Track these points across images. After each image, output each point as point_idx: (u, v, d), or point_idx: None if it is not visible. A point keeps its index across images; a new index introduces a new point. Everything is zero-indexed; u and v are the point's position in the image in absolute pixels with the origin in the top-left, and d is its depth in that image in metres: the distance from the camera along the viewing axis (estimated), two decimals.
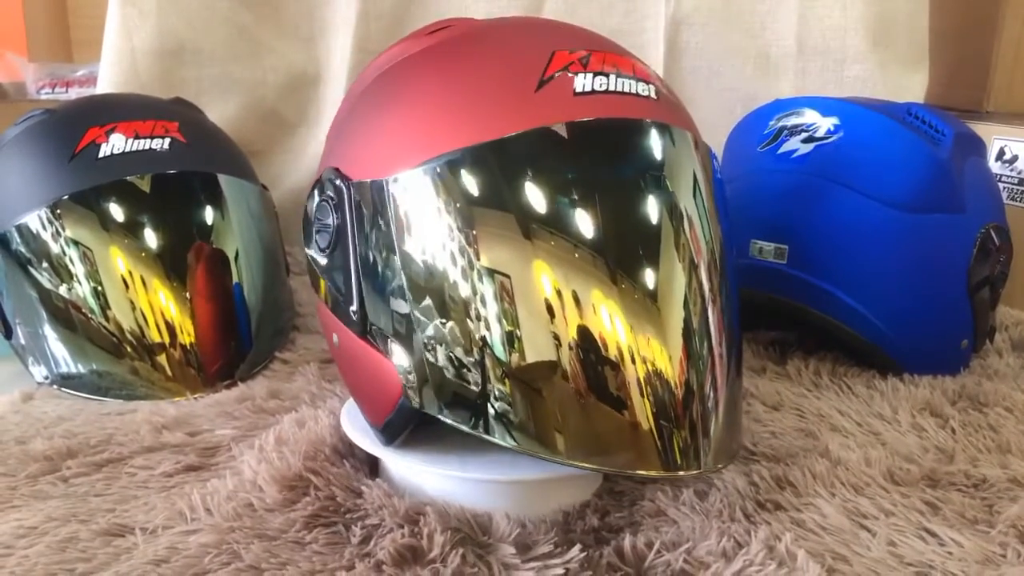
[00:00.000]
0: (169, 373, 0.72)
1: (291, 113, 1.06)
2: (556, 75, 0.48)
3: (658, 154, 0.48)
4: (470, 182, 0.46)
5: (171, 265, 0.73)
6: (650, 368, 0.45)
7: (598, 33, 0.57)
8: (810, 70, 1.04)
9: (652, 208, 0.47)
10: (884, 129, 0.73)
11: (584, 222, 0.45)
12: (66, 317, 0.72)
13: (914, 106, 0.76)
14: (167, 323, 0.73)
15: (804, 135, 0.76)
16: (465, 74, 0.50)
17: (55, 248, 0.71)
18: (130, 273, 0.72)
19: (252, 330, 0.79)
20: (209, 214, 0.77)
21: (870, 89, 1.04)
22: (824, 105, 0.76)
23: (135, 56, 0.98)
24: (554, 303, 0.45)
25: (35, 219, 0.71)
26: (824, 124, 0.75)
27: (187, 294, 0.73)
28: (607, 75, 0.48)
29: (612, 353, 0.45)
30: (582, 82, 0.48)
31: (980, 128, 1.07)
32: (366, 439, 0.53)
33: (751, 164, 0.80)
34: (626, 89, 0.48)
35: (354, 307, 0.50)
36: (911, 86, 1.05)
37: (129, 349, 0.71)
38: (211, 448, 0.60)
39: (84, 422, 0.64)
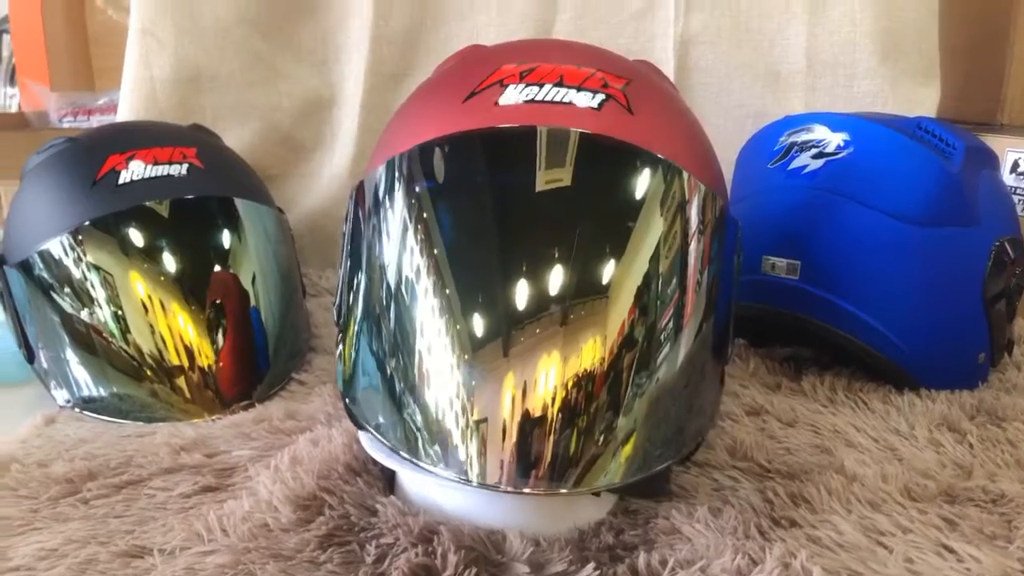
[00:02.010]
0: (188, 395, 0.73)
1: (307, 137, 1.08)
2: (487, 88, 0.50)
3: (546, 161, 0.47)
4: (382, 187, 0.51)
5: (189, 289, 0.74)
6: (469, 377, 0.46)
7: (604, 50, 0.58)
8: (820, 86, 1.05)
9: (514, 212, 0.48)
10: (894, 143, 0.73)
11: (450, 228, 0.48)
12: (87, 341, 0.73)
13: (925, 120, 0.76)
14: (186, 346, 0.74)
15: (814, 151, 0.76)
16: (421, 91, 0.56)
17: (76, 273, 0.73)
18: (149, 297, 0.73)
19: (269, 353, 0.79)
20: (226, 238, 0.78)
21: (881, 104, 1.04)
22: (834, 121, 0.76)
23: (154, 84, 1.00)
24: (386, 303, 0.49)
25: (57, 245, 0.73)
26: (834, 140, 0.75)
27: (205, 317, 0.74)
28: (541, 86, 0.49)
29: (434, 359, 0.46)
30: (510, 94, 0.49)
31: (994, 141, 1.07)
32: (381, 453, 0.54)
33: (762, 181, 0.80)
34: (558, 99, 0.49)
35: None
36: (923, 100, 1.05)
37: (149, 372, 0.72)
38: (228, 469, 0.61)
39: (105, 444, 0.65)
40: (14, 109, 1.60)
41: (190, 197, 0.76)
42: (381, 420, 0.49)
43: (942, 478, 0.59)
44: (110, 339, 0.72)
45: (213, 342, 0.74)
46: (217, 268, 0.77)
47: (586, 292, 0.46)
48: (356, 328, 0.52)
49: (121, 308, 0.73)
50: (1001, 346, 0.79)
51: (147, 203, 0.74)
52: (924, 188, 0.72)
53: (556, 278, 0.46)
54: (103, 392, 0.73)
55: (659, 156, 0.49)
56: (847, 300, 0.73)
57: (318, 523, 0.50)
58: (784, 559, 0.48)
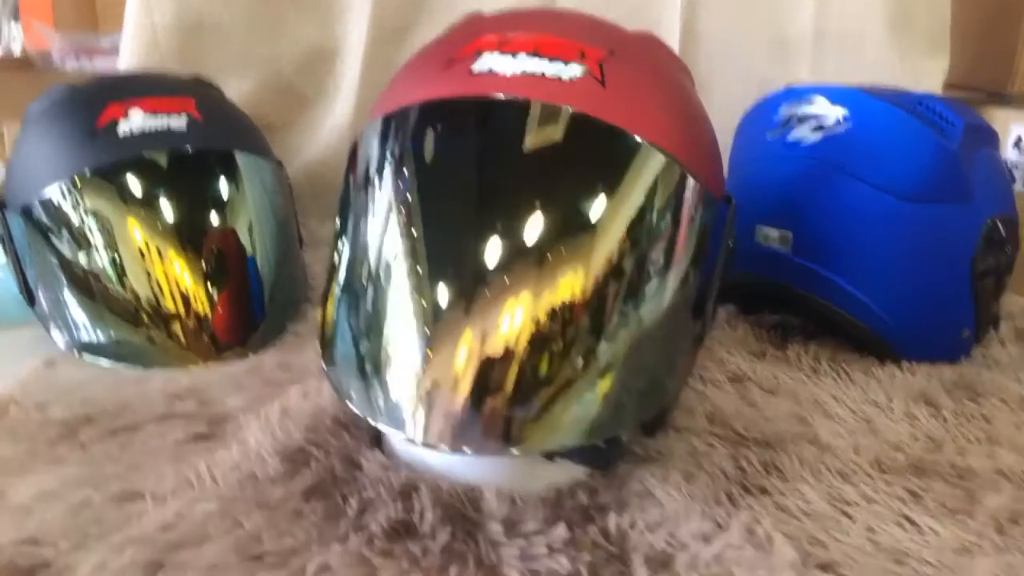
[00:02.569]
0: (183, 342, 0.75)
1: (308, 88, 1.07)
2: (467, 56, 0.51)
3: (505, 133, 0.49)
4: (360, 150, 0.54)
5: (187, 237, 0.76)
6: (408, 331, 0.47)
7: (599, 21, 0.57)
8: (827, 55, 1.04)
9: (458, 181, 0.49)
10: (892, 119, 0.73)
11: (401, 194, 0.50)
12: (85, 285, 0.75)
13: (926, 96, 0.76)
14: (182, 293, 0.75)
15: (813, 123, 0.76)
16: (415, 56, 0.57)
17: (75, 219, 0.74)
18: (147, 244, 0.74)
19: (265, 301, 0.81)
20: (224, 189, 0.79)
21: (888, 75, 1.03)
22: (834, 93, 0.76)
23: (155, 31, 0.99)
24: (355, 268, 0.52)
25: (57, 191, 0.74)
26: (834, 113, 0.75)
27: (202, 265, 0.76)
28: (515, 55, 0.50)
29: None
30: (484, 62, 0.50)
31: (1000, 114, 1.06)
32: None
33: (761, 151, 0.80)
34: (528, 69, 0.49)
35: None
36: (931, 72, 1.04)
37: (145, 318, 0.74)
38: (220, 418, 0.63)
39: (102, 389, 0.67)
40: (18, 50, 1.59)
41: (189, 149, 0.77)
42: (351, 382, 0.50)
43: (912, 451, 0.61)
44: (108, 284, 0.74)
45: (209, 289, 0.76)
46: (214, 219, 0.78)
47: (522, 259, 0.47)
48: (335, 288, 0.54)
49: (119, 254, 0.74)
50: (987, 322, 0.80)
51: (146, 155, 0.75)
52: (919, 164, 0.72)
53: (493, 246, 0.47)
54: (101, 337, 0.75)
55: (620, 128, 0.49)
56: (837, 273, 0.74)
57: (304, 475, 0.52)
58: (749, 526, 0.50)
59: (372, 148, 0.53)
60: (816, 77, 1.04)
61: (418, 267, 0.48)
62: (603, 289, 0.48)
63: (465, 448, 0.46)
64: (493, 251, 0.47)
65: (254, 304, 0.81)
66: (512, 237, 0.47)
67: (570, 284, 0.47)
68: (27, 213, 0.75)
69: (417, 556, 0.45)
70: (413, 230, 0.49)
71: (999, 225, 0.75)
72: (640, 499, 0.53)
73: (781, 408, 0.67)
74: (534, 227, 0.47)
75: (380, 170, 0.51)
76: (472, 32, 0.54)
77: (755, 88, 1.05)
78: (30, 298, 0.79)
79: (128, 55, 1.00)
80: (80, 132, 0.76)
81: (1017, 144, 1.00)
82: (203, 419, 0.62)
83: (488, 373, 0.46)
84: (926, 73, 1.05)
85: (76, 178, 0.73)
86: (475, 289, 0.47)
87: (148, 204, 0.75)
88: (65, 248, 0.74)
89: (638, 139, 0.49)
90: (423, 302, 0.47)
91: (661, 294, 0.50)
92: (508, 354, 0.46)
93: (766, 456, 0.59)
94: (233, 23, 1.02)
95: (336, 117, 1.06)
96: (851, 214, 0.74)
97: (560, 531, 0.48)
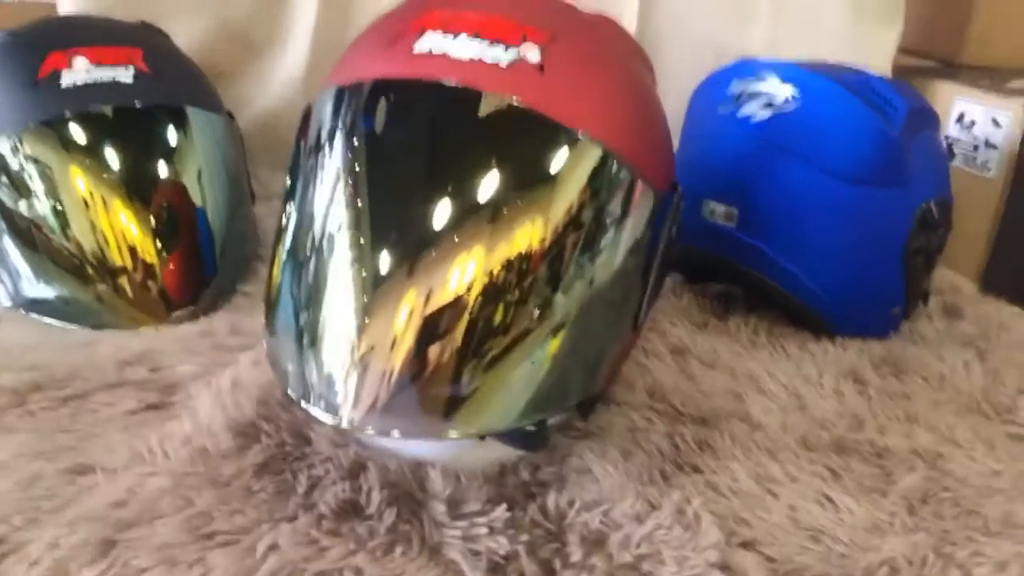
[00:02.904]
0: (131, 296, 0.74)
1: (258, 34, 1.04)
2: (410, 34, 0.51)
3: (437, 118, 0.50)
4: (315, 115, 0.54)
5: (133, 188, 0.74)
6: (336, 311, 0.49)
7: (555, 2, 0.57)
8: (783, 21, 1.04)
9: (382, 163, 0.50)
10: (840, 101, 0.75)
11: (332, 174, 0.51)
12: (28, 236, 0.73)
13: (874, 79, 0.77)
14: (129, 246, 0.74)
15: (764, 100, 0.78)
16: (367, 28, 0.57)
17: (15, 168, 0.72)
18: (91, 194, 0.73)
19: (216, 255, 0.80)
20: (173, 142, 0.78)
21: (843, 43, 1.04)
22: (785, 71, 0.77)
23: None
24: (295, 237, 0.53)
25: None
26: (783, 92, 0.76)
27: (149, 217, 0.75)
28: (456, 36, 0.50)
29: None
30: (424, 42, 0.50)
31: (945, 87, 1.09)
32: None
33: (711, 126, 0.82)
34: (465, 51, 0.50)
35: None
36: (884, 41, 1.06)
37: (91, 271, 0.73)
38: (171, 386, 0.63)
39: (50, 352, 0.67)
40: None
41: (137, 105, 0.75)
42: (288, 356, 0.51)
43: (836, 430, 0.64)
44: (50, 235, 0.73)
45: (156, 243, 0.75)
46: (162, 170, 0.77)
47: (437, 243, 0.48)
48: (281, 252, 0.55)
49: (61, 203, 0.72)
50: (916, 297, 0.84)
51: (92, 110, 0.73)
52: (861, 148, 0.74)
53: (408, 228, 0.49)
54: (47, 293, 0.74)
55: (550, 117, 0.49)
56: (777, 250, 0.77)
57: (255, 451, 0.54)
58: (680, 505, 0.53)
59: (323, 117, 0.53)
60: (771, 45, 1.05)
61: (351, 239, 0.50)
62: (530, 275, 0.49)
63: (395, 432, 0.48)
64: (415, 233, 0.48)
65: (205, 259, 0.80)
66: (428, 223, 0.48)
67: (498, 267, 0.48)
68: None
69: (363, 537, 0.47)
70: (346, 204, 0.51)
71: (933, 208, 0.78)
72: (579, 475, 0.56)
73: (718, 383, 0.70)
74: (455, 213, 0.48)
75: (326, 141, 0.52)
76: (420, 8, 0.54)
77: (710, 56, 1.06)
78: None
79: (71, 1, 0.96)
80: (20, 82, 0.73)
81: (959, 120, 1.03)
82: (154, 387, 0.63)
83: (426, 340, 0.47)
84: (880, 41, 1.07)
85: (17, 133, 0.71)
86: (401, 265, 0.48)
87: (92, 153, 0.74)
88: (5, 197, 0.73)
89: (569, 128, 0.50)
90: (363, 272, 0.49)
91: (590, 283, 0.51)
92: (443, 324, 0.47)
93: (700, 434, 0.62)
94: None
95: (288, 68, 1.04)
96: (794, 193, 0.76)
97: (500, 511, 0.50)
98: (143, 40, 0.81)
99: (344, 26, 1.04)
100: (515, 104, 0.49)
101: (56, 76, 0.73)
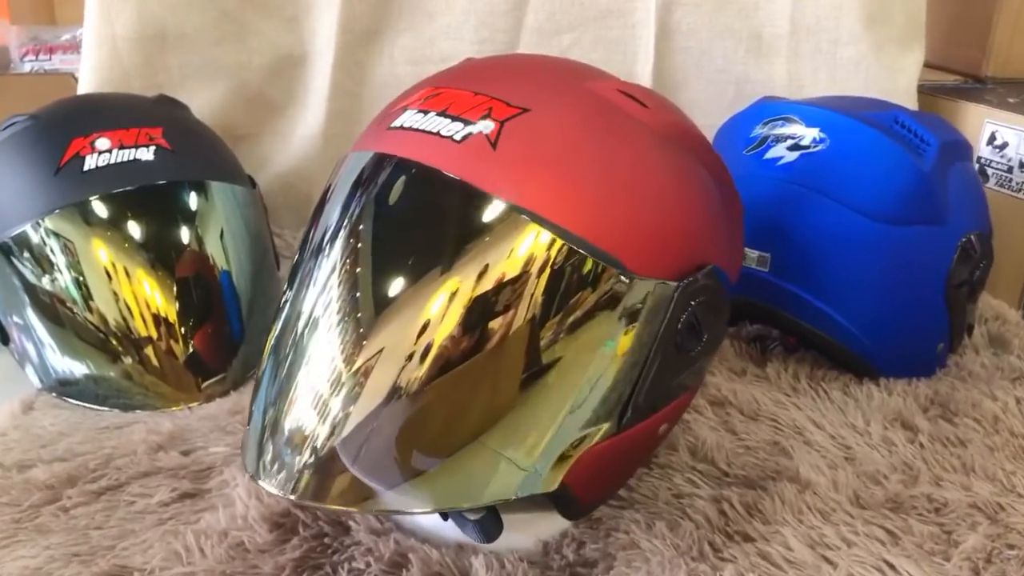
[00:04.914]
0: (158, 368, 0.73)
1: (278, 95, 1.05)
2: (396, 111, 0.53)
3: (380, 189, 0.50)
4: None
5: (155, 257, 0.74)
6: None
7: (556, 71, 0.56)
8: (803, 51, 1.03)
9: (336, 232, 0.51)
10: (868, 140, 0.73)
11: (301, 244, 0.54)
12: (53, 312, 0.73)
13: (901, 113, 0.76)
14: (152, 314, 0.74)
15: (790, 142, 0.76)
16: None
17: (37, 242, 0.72)
18: (113, 265, 0.73)
19: (243, 318, 0.80)
20: (194, 213, 0.78)
21: (864, 71, 1.03)
22: (808, 115, 0.75)
23: (116, 42, 0.96)
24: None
25: (20, 230, 0.72)
26: (809, 133, 0.75)
27: (172, 285, 0.75)
28: (426, 113, 0.51)
29: None
30: (401, 118, 0.52)
31: (974, 110, 1.06)
32: None
33: (736, 169, 0.78)
34: (427, 128, 0.50)
35: None
36: (906, 66, 1.04)
37: (116, 344, 0.73)
38: (205, 470, 0.62)
39: (83, 439, 0.66)
40: None
41: (160, 183, 0.75)
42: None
43: (890, 484, 0.62)
44: (74, 308, 0.73)
45: (180, 308, 0.75)
46: (185, 240, 0.77)
47: (371, 309, 0.49)
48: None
49: (83, 276, 0.73)
50: (960, 332, 0.81)
51: (115, 192, 0.73)
52: (895, 187, 0.72)
53: (349, 295, 0.50)
54: (77, 374, 0.74)
55: (485, 192, 0.47)
56: (814, 295, 0.75)
57: (293, 544, 0.53)
58: None
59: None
60: (791, 75, 1.03)
61: (285, 314, 0.53)
62: (425, 350, 0.47)
63: (291, 496, 0.47)
64: (345, 301, 0.50)
65: (231, 323, 0.80)
66: (360, 289, 0.49)
67: (421, 342, 0.47)
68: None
69: None
70: (290, 276, 0.54)
71: (973, 241, 0.76)
72: (626, 551, 0.54)
73: (762, 436, 0.68)
74: (381, 281, 0.49)
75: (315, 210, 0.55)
76: (423, 84, 0.55)
77: (731, 87, 1.05)
78: (3, 336, 0.78)
79: (89, 69, 0.97)
80: (44, 171, 0.74)
81: (991, 141, 1.00)
82: (188, 473, 0.62)
83: (314, 426, 0.48)
84: (902, 67, 1.04)
85: (41, 218, 0.72)
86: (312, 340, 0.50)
87: (114, 227, 0.74)
88: (30, 277, 0.73)
89: (504, 203, 0.47)
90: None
91: (516, 375, 0.48)
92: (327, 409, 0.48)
93: (748, 497, 0.60)
94: (197, 31, 0.99)
95: (308, 126, 1.04)
96: (827, 235, 0.74)
97: None
98: (163, 116, 0.81)
99: (358, 85, 1.04)
100: (449, 178, 0.48)
101: (79, 161, 0.74)
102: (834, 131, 0.74)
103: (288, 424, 0.49)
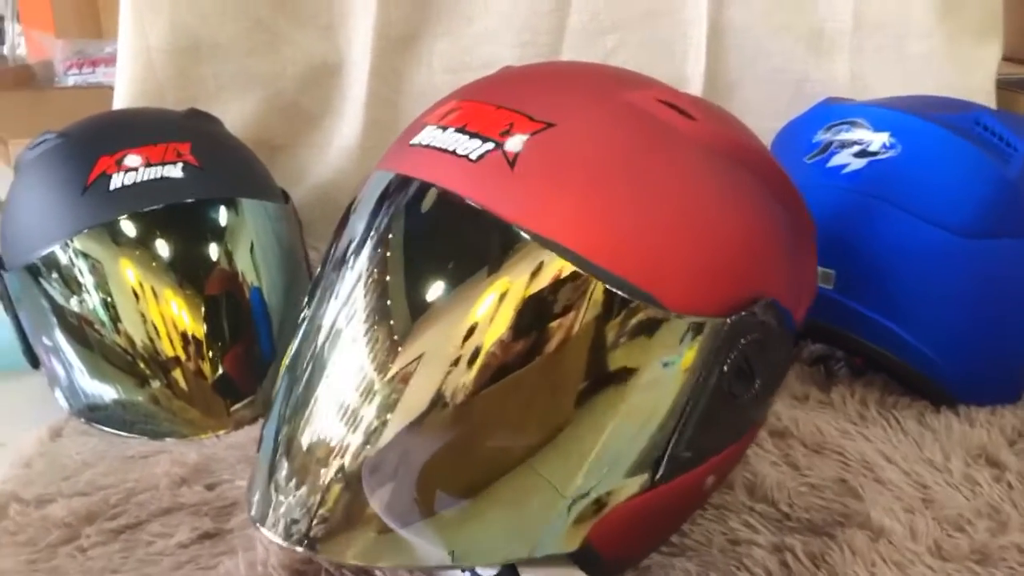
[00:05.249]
0: (186, 391, 0.71)
1: (313, 105, 1.02)
2: (418, 128, 0.49)
3: (393, 209, 0.47)
4: None
5: (183, 276, 0.72)
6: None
7: (608, 77, 0.51)
8: (867, 47, 0.96)
9: (349, 252, 0.48)
10: (945, 145, 0.66)
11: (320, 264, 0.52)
12: (80, 335, 0.71)
13: (984, 115, 0.69)
14: (180, 333, 0.72)
15: (857, 148, 0.70)
16: None
17: (64, 262, 0.71)
18: (140, 285, 0.71)
19: (274, 337, 0.77)
20: (224, 230, 0.75)
21: (935, 67, 0.95)
22: (876, 117, 0.69)
23: (151, 55, 0.94)
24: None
25: (47, 251, 0.70)
26: (877, 139, 0.68)
27: (200, 304, 0.72)
28: (444, 130, 0.47)
29: None
30: (421, 135, 0.48)
31: None
32: None
33: (797, 178, 0.72)
34: (444, 145, 0.46)
35: None
36: (982, 61, 0.96)
37: (143, 366, 0.71)
38: (227, 507, 0.59)
39: (107, 471, 0.64)
40: (23, 54, 1.55)
41: (188, 201, 0.73)
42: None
43: (976, 533, 0.55)
44: (101, 330, 0.71)
45: (209, 327, 0.72)
46: (214, 257, 0.74)
47: (378, 339, 0.46)
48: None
49: (111, 296, 0.71)
50: None
51: (143, 211, 0.71)
52: (976, 196, 0.65)
53: (326, 327, 0.48)
54: (106, 398, 0.72)
55: (497, 216, 0.43)
56: (885, 315, 0.68)
57: None
58: None
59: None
60: (855, 74, 0.96)
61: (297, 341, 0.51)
62: (452, 398, 0.43)
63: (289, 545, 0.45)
64: (332, 324, 0.48)
65: (261, 343, 0.77)
66: (373, 318, 0.46)
67: (421, 381, 0.44)
68: (20, 271, 0.72)
69: None
70: (318, 291, 0.51)
71: None
72: None
73: (827, 473, 0.62)
74: (390, 310, 0.46)
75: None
76: (448, 98, 0.51)
77: (789, 88, 0.98)
78: (33, 359, 0.76)
79: (124, 81, 0.95)
80: (71, 191, 0.72)
81: None
82: (210, 510, 0.59)
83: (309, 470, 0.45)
84: (977, 62, 0.96)
85: (68, 239, 0.70)
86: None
87: (142, 246, 0.72)
88: (59, 298, 0.71)
89: (522, 231, 0.42)
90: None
91: (534, 418, 0.44)
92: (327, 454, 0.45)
93: (813, 546, 0.54)
94: (231, 42, 0.97)
95: (344, 138, 1.01)
96: (899, 250, 0.68)
97: None
98: (192, 131, 0.78)
99: (395, 93, 1.01)
100: (464, 201, 0.44)
101: (105, 180, 0.71)
102: (906, 135, 0.67)
103: (306, 440, 0.46)
